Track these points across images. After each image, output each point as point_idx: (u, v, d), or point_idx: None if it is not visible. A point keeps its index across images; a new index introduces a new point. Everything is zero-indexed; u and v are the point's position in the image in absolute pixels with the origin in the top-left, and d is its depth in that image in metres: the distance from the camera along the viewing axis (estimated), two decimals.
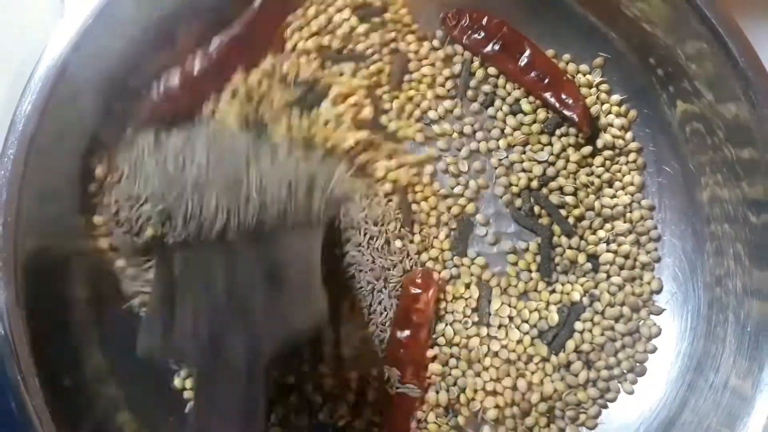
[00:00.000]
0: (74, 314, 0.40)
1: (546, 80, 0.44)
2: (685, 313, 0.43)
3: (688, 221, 0.43)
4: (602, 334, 0.43)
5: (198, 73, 0.41)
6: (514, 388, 0.42)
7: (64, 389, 0.37)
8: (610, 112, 0.45)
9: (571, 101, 0.43)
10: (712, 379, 0.40)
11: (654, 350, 0.43)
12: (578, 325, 0.43)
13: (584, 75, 0.45)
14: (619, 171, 0.44)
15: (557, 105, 0.43)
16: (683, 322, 0.43)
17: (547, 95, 0.43)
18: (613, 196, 0.44)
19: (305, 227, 0.38)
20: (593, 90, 0.45)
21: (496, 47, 0.44)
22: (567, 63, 0.45)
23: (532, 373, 0.42)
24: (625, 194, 0.44)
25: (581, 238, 0.43)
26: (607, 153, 0.44)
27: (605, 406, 0.42)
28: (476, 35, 0.44)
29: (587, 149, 0.44)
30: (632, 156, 0.44)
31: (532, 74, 0.44)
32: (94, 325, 0.41)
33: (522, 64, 0.44)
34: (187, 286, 0.36)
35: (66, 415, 0.36)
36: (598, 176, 0.44)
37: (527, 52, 0.44)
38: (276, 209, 0.37)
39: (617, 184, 0.44)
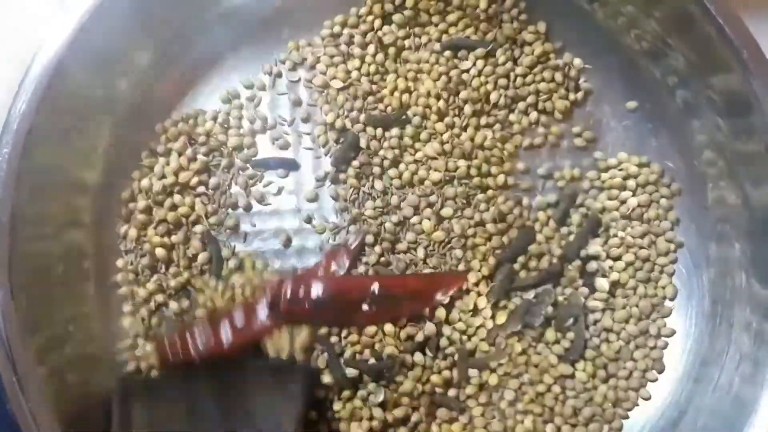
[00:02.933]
0: (71, 313, 0.40)
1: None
2: (689, 310, 0.42)
3: (692, 218, 0.43)
4: (618, 339, 0.42)
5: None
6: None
7: (60, 390, 0.37)
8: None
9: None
10: (717, 378, 0.39)
11: (665, 346, 0.42)
12: (595, 340, 0.42)
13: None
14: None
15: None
16: (688, 320, 0.42)
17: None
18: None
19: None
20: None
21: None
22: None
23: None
24: (644, 192, 0.43)
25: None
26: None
27: (626, 417, 0.42)
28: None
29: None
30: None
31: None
32: (91, 323, 0.41)
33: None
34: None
35: (62, 416, 0.36)
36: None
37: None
38: None
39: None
